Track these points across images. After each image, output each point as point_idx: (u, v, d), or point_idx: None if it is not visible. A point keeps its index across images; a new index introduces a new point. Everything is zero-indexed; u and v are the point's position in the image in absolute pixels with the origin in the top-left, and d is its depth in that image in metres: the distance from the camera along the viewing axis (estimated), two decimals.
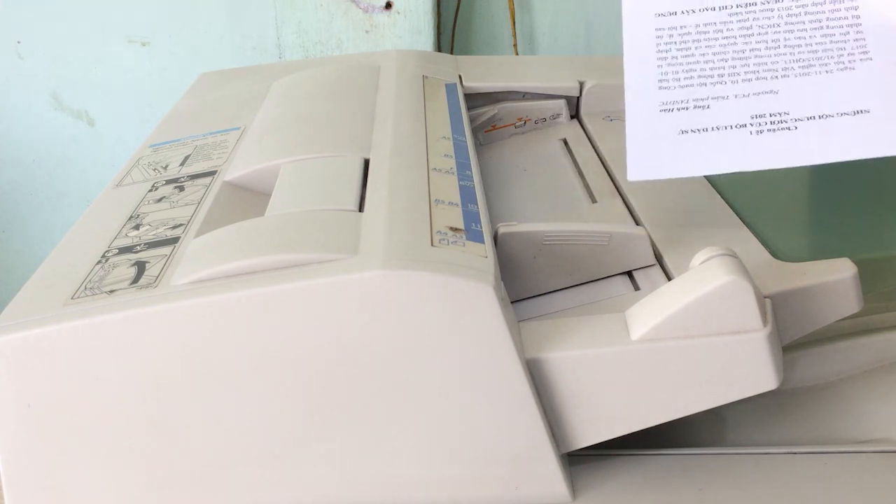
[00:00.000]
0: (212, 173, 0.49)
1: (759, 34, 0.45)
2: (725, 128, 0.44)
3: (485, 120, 0.65)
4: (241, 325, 0.36)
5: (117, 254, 0.41)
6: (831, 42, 0.44)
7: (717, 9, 0.46)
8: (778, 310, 0.40)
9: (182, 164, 0.51)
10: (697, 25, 0.46)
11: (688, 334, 0.37)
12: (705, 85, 0.45)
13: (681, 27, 0.46)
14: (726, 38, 0.45)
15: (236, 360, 0.37)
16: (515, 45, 1.06)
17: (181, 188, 0.48)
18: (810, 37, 0.44)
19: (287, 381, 0.37)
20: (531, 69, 0.70)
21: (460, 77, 0.64)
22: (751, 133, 0.43)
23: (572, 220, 0.51)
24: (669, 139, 0.44)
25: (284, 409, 0.38)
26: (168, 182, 0.49)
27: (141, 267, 0.39)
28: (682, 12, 0.46)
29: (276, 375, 0.37)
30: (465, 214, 0.41)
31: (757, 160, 0.43)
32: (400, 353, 0.37)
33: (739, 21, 0.45)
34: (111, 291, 0.38)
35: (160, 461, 0.38)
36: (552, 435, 0.39)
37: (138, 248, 0.41)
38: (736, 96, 0.44)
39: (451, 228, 0.40)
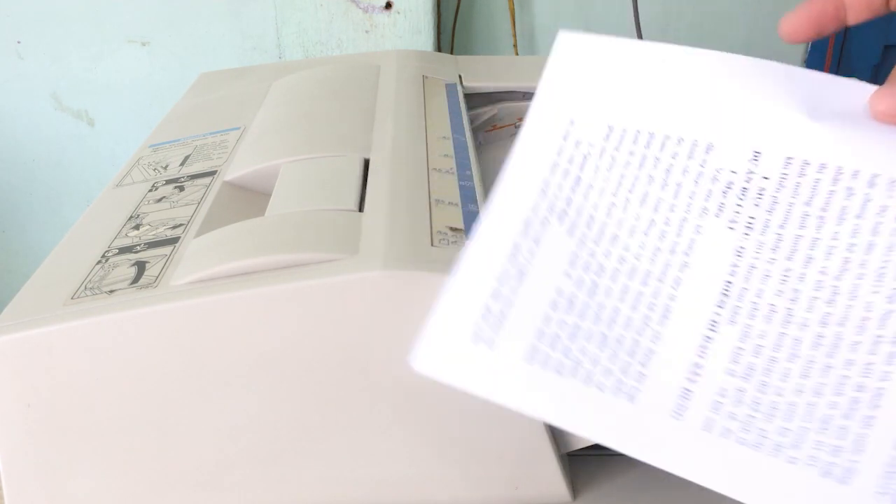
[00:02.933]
0: (212, 173, 0.49)
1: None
2: None
3: (485, 120, 0.65)
4: (241, 325, 0.36)
5: (117, 254, 0.41)
6: None
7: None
8: None
9: (182, 164, 0.51)
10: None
11: None
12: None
13: None
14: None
15: (236, 360, 0.37)
16: (515, 45, 1.06)
17: (181, 188, 0.48)
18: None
19: (287, 380, 0.37)
20: (531, 69, 0.70)
21: (460, 77, 0.64)
22: None
23: None
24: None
25: (284, 408, 0.38)
26: (168, 182, 0.49)
27: (141, 267, 0.39)
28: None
29: (276, 375, 0.37)
30: (465, 214, 0.41)
31: None
32: (400, 353, 0.37)
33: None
34: (111, 291, 0.37)
35: (160, 461, 0.38)
36: (552, 435, 0.39)
37: (138, 248, 0.41)
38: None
39: (451, 228, 0.40)
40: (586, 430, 0.30)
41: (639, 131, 0.33)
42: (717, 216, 0.31)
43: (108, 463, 0.38)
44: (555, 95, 0.35)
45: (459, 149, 0.49)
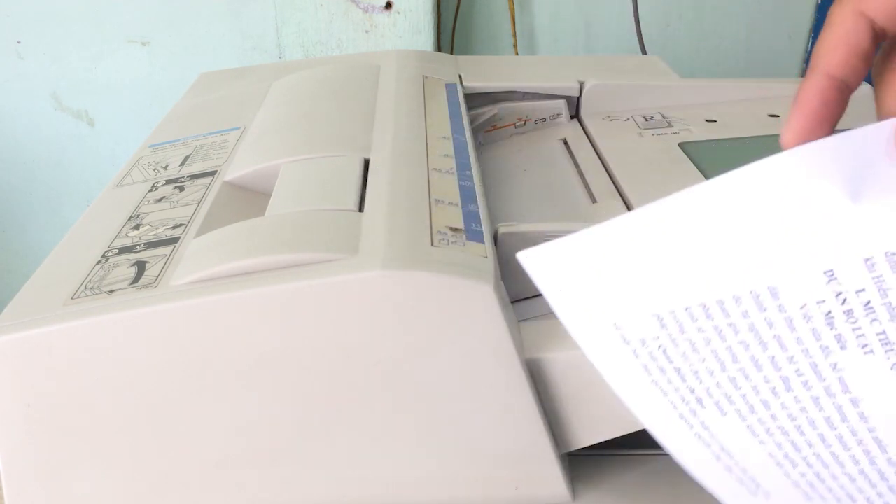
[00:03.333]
0: (212, 173, 0.49)
1: None
2: None
3: (485, 120, 0.65)
4: (241, 325, 0.36)
5: (117, 254, 0.41)
6: None
7: None
8: None
9: (182, 164, 0.51)
10: None
11: None
12: None
13: None
14: None
15: (236, 361, 0.37)
16: (515, 45, 1.06)
17: (181, 188, 0.48)
18: None
19: (287, 381, 0.37)
20: (531, 69, 0.70)
21: (460, 77, 0.64)
22: None
23: (572, 220, 0.51)
24: None
25: (284, 409, 0.38)
26: (168, 182, 0.49)
27: (141, 267, 0.39)
28: None
29: (276, 375, 0.37)
30: (465, 214, 0.41)
31: None
32: (400, 353, 0.37)
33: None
34: (111, 291, 0.37)
35: (160, 461, 0.38)
36: (552, 435, 0.39)
37: (138, 248, 0.41)
38: None
39: (451, 228, 0.40)
40: None
41: (688, 308, 0.27)
42: (843, 349, 0.26)
43: (108, 463, 0.38)
44: (576, 314, 0.30)
45: (459, 149, 0.49)
